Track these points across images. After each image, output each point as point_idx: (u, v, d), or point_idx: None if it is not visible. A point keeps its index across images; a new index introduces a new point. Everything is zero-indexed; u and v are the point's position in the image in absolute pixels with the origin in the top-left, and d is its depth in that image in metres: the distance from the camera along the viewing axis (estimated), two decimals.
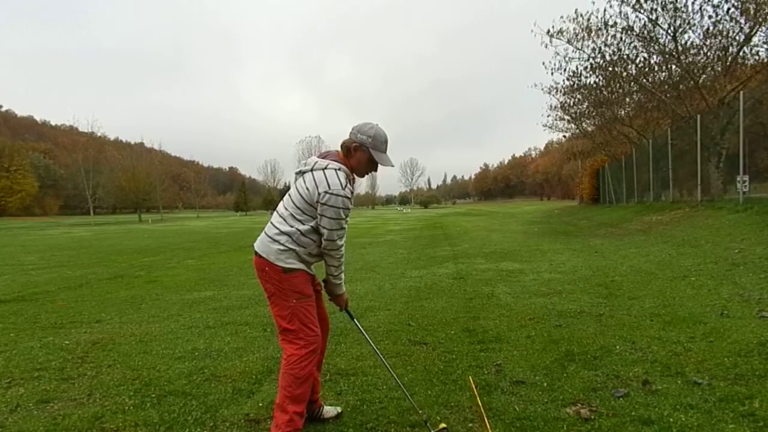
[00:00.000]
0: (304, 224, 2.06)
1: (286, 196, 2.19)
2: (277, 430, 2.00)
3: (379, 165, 2.14)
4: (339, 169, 2.05)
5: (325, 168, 2.04)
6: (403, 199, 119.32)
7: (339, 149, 2.17)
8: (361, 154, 2.10)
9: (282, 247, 2.06)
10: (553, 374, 2.75)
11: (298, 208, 2.07)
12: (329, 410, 2.33)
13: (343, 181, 2.02)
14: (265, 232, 2.14)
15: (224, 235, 19.86)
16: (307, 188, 2.04)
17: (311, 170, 2.06)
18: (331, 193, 1.97)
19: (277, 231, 2.09)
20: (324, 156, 2.14)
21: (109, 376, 3.00)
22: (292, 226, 2.07)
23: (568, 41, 17.43)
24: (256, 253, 2.13)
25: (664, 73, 16.73)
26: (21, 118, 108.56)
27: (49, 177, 77.56)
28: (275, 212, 2.19)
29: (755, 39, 13.81)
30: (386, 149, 2.14)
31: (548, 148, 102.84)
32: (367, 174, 2.20)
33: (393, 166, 2.18)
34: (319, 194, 1.99)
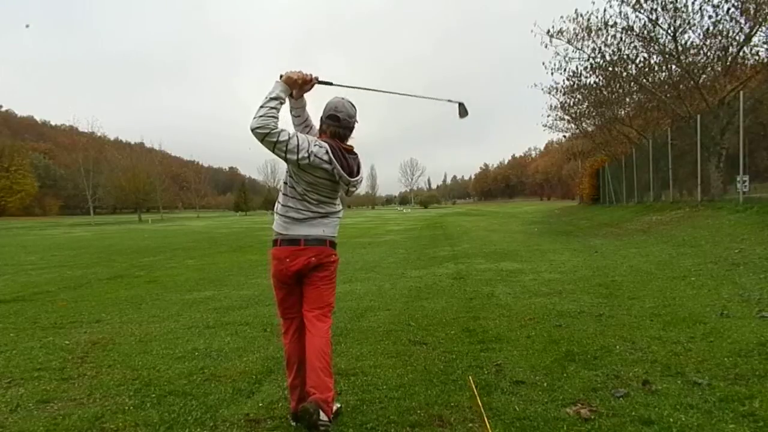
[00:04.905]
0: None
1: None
2: (329, 390, 2.09)
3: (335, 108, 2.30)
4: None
5: None
6: (403, 199, 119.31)
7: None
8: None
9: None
10: (553, 374, 2.75)
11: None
12: None
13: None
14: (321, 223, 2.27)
15: (224, 235, 19.86)
16: None
17: None
18: None
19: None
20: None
21: (109, 376, 2.99)
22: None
23: (568, 41, 17.43)
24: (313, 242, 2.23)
25: (664, 73, 16.74)
26: (21, 118, 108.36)
27: (49, 177, 77.57)
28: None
29: (755, 39, 13.84)
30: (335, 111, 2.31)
31: (548, 148, 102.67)
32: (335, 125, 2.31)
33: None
34: None
